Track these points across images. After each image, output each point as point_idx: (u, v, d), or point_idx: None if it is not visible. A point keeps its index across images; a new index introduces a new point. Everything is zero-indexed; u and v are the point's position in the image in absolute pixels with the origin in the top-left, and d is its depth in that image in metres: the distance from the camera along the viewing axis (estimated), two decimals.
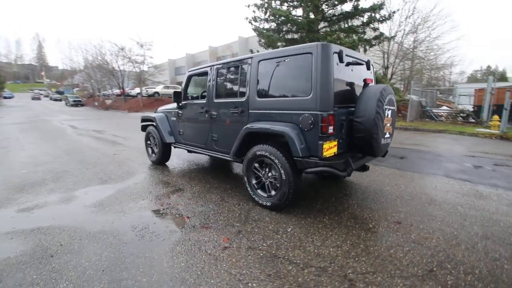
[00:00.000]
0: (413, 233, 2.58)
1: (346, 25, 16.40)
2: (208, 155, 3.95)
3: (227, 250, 2.27)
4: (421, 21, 18.68)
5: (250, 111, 3.16)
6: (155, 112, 5.42)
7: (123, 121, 15.63)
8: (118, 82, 28.39)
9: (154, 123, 5.16)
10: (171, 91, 29.53)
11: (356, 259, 2.16)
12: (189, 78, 4.29)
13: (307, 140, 2.65)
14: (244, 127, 3.13)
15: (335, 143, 2.64)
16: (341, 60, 2.69)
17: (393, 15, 15.61)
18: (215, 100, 3.66)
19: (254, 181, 3.17)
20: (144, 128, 5.49)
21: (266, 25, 17.93)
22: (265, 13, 17.52)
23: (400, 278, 1.94)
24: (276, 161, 2.83)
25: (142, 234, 2.55)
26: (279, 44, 16.98)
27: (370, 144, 2.70)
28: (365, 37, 15.68)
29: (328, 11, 16.93)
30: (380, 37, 15.73)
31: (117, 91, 31.81)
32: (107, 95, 34.14)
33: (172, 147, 4.96)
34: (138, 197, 3.48)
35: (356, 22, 16.02)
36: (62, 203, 3.35)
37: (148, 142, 5.30)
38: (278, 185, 2.89)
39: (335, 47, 2.61)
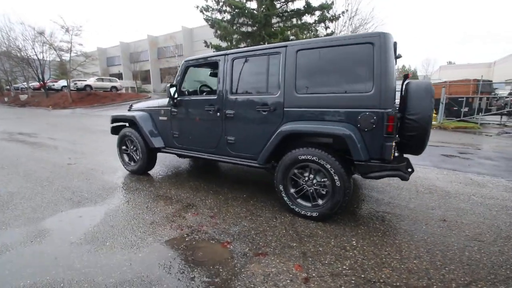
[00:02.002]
0: (465, 230, 2.57)
1: (299, 22, 16.80)
2: (219, 161, 3.34)
3: (311, 283, 1.84)
4: (362, 22, 20.39)
5: (285, 109, 2.72)
6: (130, 110, 4.44)
7: (53, 121, 13.00)
8: (36, 73, 23.60)
9: (131, 124, 4.23)
10: (107, 84, 26.19)
11: (447, 268, 1.99)
12: (186, 69, 3.56)
13: (367, 141, 2.37)
14: (281, 128, 2.68)
15: (394, 144, 2.43)
16: (395, 52, 2.47)
17: (342, 15, 16.59)
18: (231, 97, 3.08)
19: (292, 190, 2.76)
20: (115, 131, 4.45)
21: (219, 16, 17.12)
22: (218, 3, 16.69)
23: (504, 285, 1.84)
24: (328, 166, 2.48)
25: (187, 275, 1.91)
26: (235, 36, 16.42)
27: (422, 142, 2.58)
28: (318, 34, 16.32)
29: (281, 6, 17.05)
30: (331, 35, 16.57)
31: (34, 83, 26.52)
32: (22, 89, 28.22)
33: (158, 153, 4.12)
34: (143, 222, 2.70)
35: (309, 20, 16.55)
36: (33, 242, 2.36)
37: (124, 147, 4.31)
38: (329, 193, 2.56)
39: (393, 38, 2.38)
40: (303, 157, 2.59)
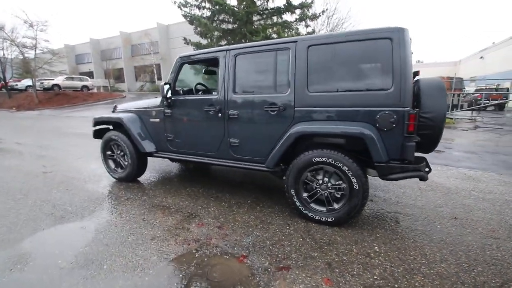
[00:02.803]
0: (478, 227, 2.56)
1: (280, 20, 16.72)
2: (221, 165, 3.09)
3: None
4: (339, 21, 20.80)
5: (296, 109, 2.54)
6: (114, 111, 4.05)
7: (19, 123, 11.91)
8: None
9: (116, 127, 3.86)
10: (77, 83, 24.59)
11: (475, 271, 1.93)
12: (181, 66, 3.26)
13: (387, 142, 2.26)
14: (293, 129, 2.50)
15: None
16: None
17: (322, 14, 16.75)
18: (235, 96, 2.85)
19: (305, 194, 2.61)
20: (98, 134, 4.04)
21: (198, 12, 16.59)
22: None
23: None
24: (346, 168, 2.34)
25: None
26: (215, 33, 15.99)
27: (436, 140, 2.52)
28: (300, 32, 16.35)
29: (261, 4, 16.87)
30: (312, 34, 16.68)
31: None
32: None
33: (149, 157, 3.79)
34: (142, 237, 2.41)
35: (290, 18, 16.54)
36: (13, 270, 2.00)
37: (109, 153, 3.92)
38: (345, 196, 2.43)
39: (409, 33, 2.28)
40: (317, 159, 2.44)
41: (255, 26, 16.55)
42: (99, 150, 4.00)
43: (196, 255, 2.14)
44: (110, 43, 32.83)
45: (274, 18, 17.08)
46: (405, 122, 2.19)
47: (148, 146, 3.53)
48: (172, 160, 3.58)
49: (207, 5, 16.00)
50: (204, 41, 16.08)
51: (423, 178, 2.31)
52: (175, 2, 16.47)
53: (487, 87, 18.34)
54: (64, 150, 6.10)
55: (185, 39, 16.00)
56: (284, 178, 2.75)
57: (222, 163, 3.05)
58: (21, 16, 30.58)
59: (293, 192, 2.61)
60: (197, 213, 2.87)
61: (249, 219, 2.71)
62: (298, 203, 2.61)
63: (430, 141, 2.52)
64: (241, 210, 2.92)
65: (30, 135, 8.60)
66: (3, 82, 22.50)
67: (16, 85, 24.49)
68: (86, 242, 2.34)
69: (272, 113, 2.65)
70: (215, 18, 16.11)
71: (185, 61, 3.23)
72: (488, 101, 15.16)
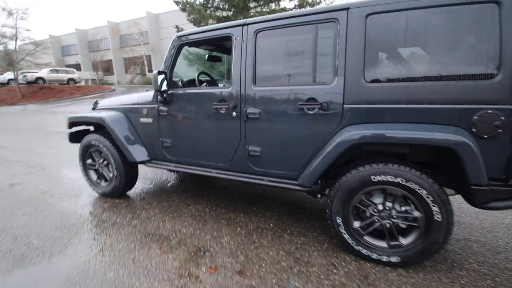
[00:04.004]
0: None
1: (277, 7, 15.78)
2: (235, 180, 2.35)
3: None
4: None
5: (346, 106, 1.81)
6: (94, 108, 3.24)
7: None
8: None
9: (98, 129, 3.08)
10: (63, 76, 23.25)
11: None
12: (180, 49, 2.48)
13: (488, 154, 1.56)
14: (347, 134, 1.76)
15: None
16: None
17: (323, 0, 15.83)
18: (255, 88, 2.09)
19: (357, 224, 1.90)
20: (75, 138, 3.24)
21: None
22: None
23: None
24: (423, 192, 1.64)
25: None
26: (210, 21, 14.96)
27: None
28: None
29: None
30: None
31: None
32: None
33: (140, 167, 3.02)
34: None
35: (289, 5, 15.58)
36: None
37: (90, 161, 3.14)
38: (419, 229, 1.74)
39: None
40: (379, 178, 1.72)
41: (252, 13, 15.61)
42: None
43: None
44: (97, 33, 31.19)
45: (272, 5, 16.14)
46: None
47: (138, 153, 2.76)
48: (170, 171, 2.82)
49: None
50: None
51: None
52: None
53: None
54: (41, 154, 5.25)
55: (177, 27, 14.97)
56: (317, 195, 2.06)
57: (237, 177, 2.31)
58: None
59: (339, 220, 1.90)
60: (206, 246, 2.15)
61: (278, 257, 2.00)
62: (346, 235, 1.91)
63: None
64: (264, 241, 2.20)
65: (7, 133, 7.66)
66: None
67: None
68: None
69: (310, 112, 1.91)
70: (209, 5, 15.10)
71: (184, 41, 2.43)
72: None
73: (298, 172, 2.05)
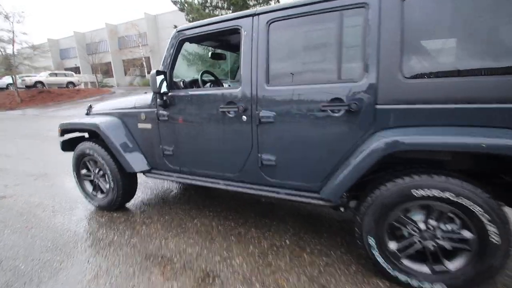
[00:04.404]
0: None
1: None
2: (248, 193, 2.07)
3: None
4: None
5: (379, 106, 1.52)
6: (88, 113, 2.98)
7: None
8: None
9: (92, 136, 2.82)
10: (62, 79, 23.06)
11: None
12: (181, 45, 2.20)
13: None
14: (382, 141, 1.47)
15: None
16: None
17: None
18: (268, 88, 1.81)
19: (393, 246, 1.62)
20: (68, 146, 2.97)
21: None
22: None
23: None
24: (477, 209, 1.36)
25: None
26: None
27: None
28: None
29: None
30: None
31: None
32: None
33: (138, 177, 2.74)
34: None
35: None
36: None
37: (85, 172, 2.87)
38: (470, 252, 1.46)
39: None
40: (422, 192, 1.44)
41: None
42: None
43: None
44: (95, 36, 30.97)
45: (272, 2, 15.85)
46: None
47: (136, 163, 2.49)
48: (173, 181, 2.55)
49: None
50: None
51: None
52: None
53: None
54: (37, 161, 4.99)
55: (175, 27, 14.62)
56: (340, 208, 1.79)
57: (249, 190, 2.03)
58: None
59: (372, 240, 1.62)
60: (215, 271, 1.87)
61: (300, 284, 1.72)
62: (380, 259, 1.63)
63: None
64: (281, 263, 1.93)
65: (2, 140, 7.41)
66: None
67: None
68: None
69: (335, 114, 1.63)
70: (208, 4, 14.81)
71: (185, 37, 2.15)
72: None
73: (320, 184, 1.78)
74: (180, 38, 2.16)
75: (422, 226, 1.54)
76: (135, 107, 2.49)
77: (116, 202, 2.70)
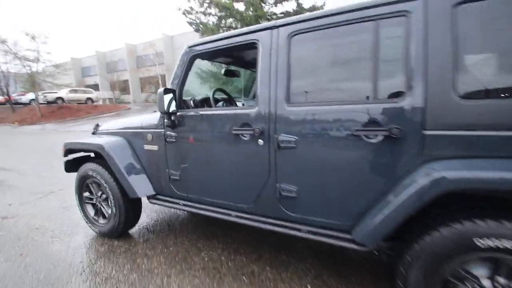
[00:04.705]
0: None
1: None
2: (263, 228, 1.79)
3: None
4: None
5: (429, 132, 1.25)
6: (95, 133, 2.83)
7: (13, 140, 10.92)
8: (0, 86, 21.05)
9: (97, 156, 2.64)
10: (81, 96, 23.91)
11: None
12: (192, 62, 2.03)
13: None
14: (436, 176, 1.17)
15: None
16: None
17: None
18: (289, 108, 1.58)
19: None
20: (72, 167, 2.81)
21: (203, 18, 15.77)
22: (202, 4, 15.36)
23: None
24: None
25: None
26: None
27: None
28: None
29: (269, 8, 15.92)
30: None
31: None
32: None
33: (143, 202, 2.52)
34: None
35: None
36: None
37: (87, 194, 2.68)
38: None
39: None
40: (488, 242, 1.13)
41: None
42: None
43: None
44: (115, 55, 32.45)
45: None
46: None
47: (141, 187, 2.28)
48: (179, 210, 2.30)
49: (213, 11, 15.18)
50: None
51: None
52: (179, 9, 15.76)
53: None
54: (46, 177, 4.90)
55: None
56: (374, 251, 1.47)
57: (264, 225, 1.75)
58: (22, 27, 30.35)
59: None
60: None
61: None
62: None
63: None
64: None
65: (18, 155, 7.50)
66: (7, 96, 21.97)
67: (20, 99, 24.04)
68: None
69: (371, 140, 1.36)
70: (222, 25, 15.20)
71: (197, 52, 1.98)
72: None
73: (351, 222, 1.48)
74: (192, 54, 1.99)
75: (487, 284, 1.21)
76: (141, 127, 2.31)
77: (118, 229, 2.46)
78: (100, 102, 27.35)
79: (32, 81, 21.08)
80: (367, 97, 1.40)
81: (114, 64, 31.59)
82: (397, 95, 1.33)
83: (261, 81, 1.67)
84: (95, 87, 33.22)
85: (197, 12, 15.51)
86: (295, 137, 1.56)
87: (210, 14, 15.56)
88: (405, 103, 1.29)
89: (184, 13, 15.72)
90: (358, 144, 1.39)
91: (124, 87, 33.17)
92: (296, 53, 1.56)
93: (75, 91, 24.63)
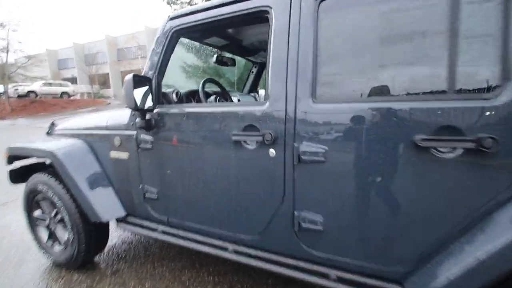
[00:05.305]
0: None
1: None
2: (270, 270, 1.31)
3: None
4: None
5: None
6: (50, 133, 2.23)
7: None
8: None
9: (49, 166, 2.06)
10: (56, 89, 22.40)
11: None
12: (174, 42, 1.50)
13: None
14: None
15: None
16: None
17: None
18: (315, 106, 1.10)
19: None
20: (19, 177, 2.20)
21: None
22: None
23: None
24: None
25: None
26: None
27: None
28: None
29: None
30: None
31: None
32: None
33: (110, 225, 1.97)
34: None
35: None
36: None
37: (38, 214, 2.09)
38: None
39: None
40: None
41: None
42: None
43: None
44: (94, 47, 30.75)
45: None
46: None
47: (106, 208, 1.73)
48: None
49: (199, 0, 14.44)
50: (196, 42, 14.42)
51: None
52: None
53: None
54: (2, 185, 4.17)
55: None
56: None
57: (274, 267, 1.27)
58: None
59: None
60: None
61: None
62: None
63: None
64: None
65: None
66: None
67: None
68: None
69: (444, 154, 0.91)
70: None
71: (182, 27, 1.45)
72: None
73: (404, 269, 1.03)
74: (174, 30, 1.46)
75: None
76: (106, 128, 1.75)
77: (77, 259, 1.90)
78: (78, 97, 25.81)
79: (2, 73, 19.45)
80: (440, 91, 0.94)
81: (93, 56, 29.93)
82: (486, 88, 0.89)
83: (273, 66, 1.17)
84: (73, 80, 31.43)
85: (182, 3, 14.76)
86: (324, 147, 1.08)
87: (197, 4, 14.85)
88: (502, 101, 0.84)
89: (168, 3, 14.89)
90: (423, 159, 0.94)
91: (104, 81, 31.61)
92: (327, 26, 1.07)
93: (50, 84, 23.06)
